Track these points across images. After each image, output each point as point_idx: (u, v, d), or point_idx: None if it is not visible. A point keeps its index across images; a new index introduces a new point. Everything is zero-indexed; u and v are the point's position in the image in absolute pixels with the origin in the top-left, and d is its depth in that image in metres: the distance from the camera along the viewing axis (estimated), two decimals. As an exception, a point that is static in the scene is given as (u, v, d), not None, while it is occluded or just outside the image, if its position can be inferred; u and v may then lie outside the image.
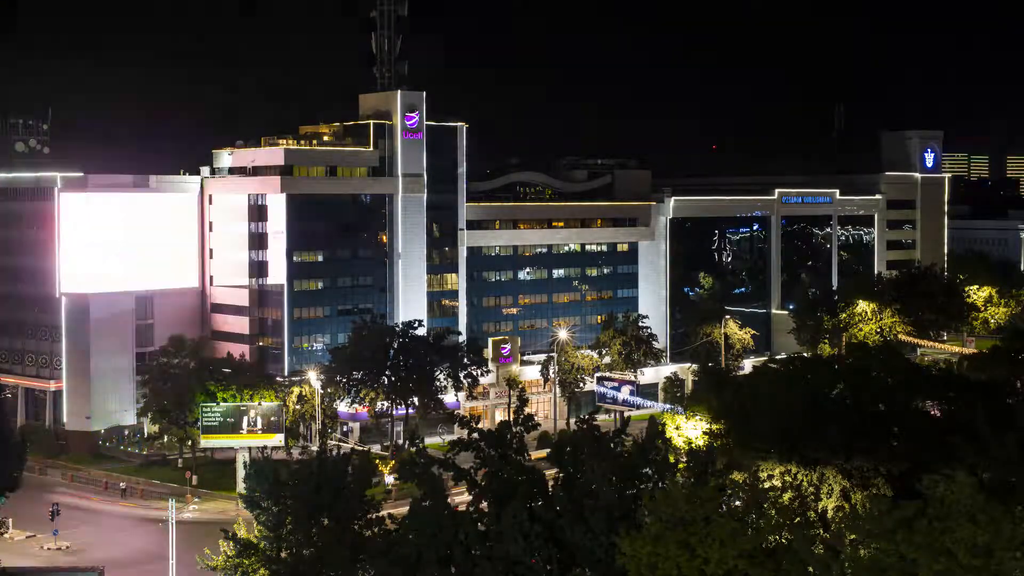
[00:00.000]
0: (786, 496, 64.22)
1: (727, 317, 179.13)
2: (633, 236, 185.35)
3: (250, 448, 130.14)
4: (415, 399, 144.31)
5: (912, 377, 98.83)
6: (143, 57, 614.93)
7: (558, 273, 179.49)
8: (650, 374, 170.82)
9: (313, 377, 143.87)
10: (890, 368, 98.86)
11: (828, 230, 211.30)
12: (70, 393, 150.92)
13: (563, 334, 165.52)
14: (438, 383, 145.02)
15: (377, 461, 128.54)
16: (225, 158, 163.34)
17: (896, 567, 50.10)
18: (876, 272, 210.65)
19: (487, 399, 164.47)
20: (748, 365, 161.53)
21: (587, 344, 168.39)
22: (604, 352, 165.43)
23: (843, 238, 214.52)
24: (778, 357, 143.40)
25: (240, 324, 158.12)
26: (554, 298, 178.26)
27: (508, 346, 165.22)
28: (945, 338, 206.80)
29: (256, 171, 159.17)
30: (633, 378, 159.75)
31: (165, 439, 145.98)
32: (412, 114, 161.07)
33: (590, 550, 61.24)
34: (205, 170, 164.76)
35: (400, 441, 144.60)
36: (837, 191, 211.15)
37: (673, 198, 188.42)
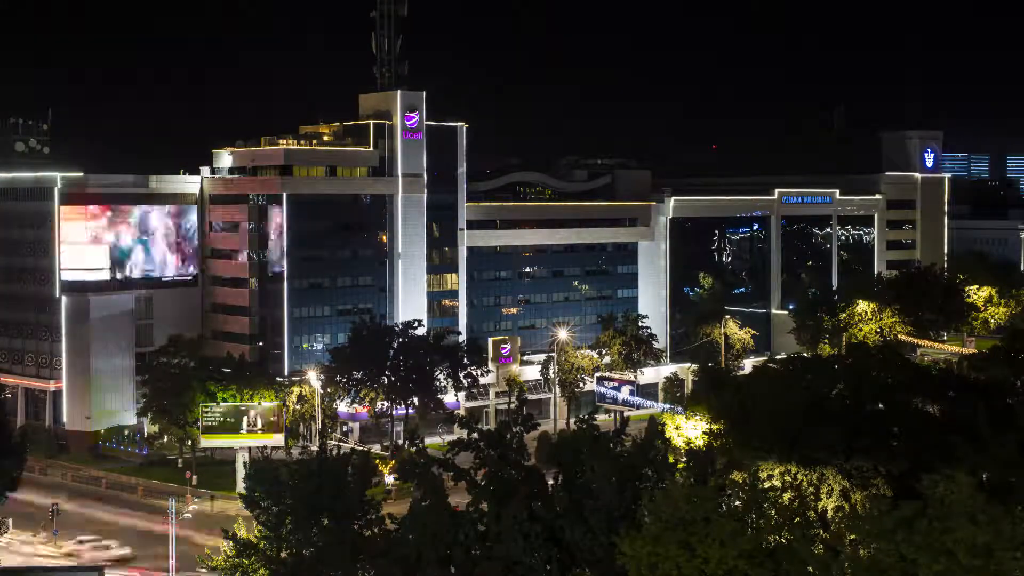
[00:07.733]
0: (786, 496, 64.22)
1: (727, 317, 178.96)
2: (633, 236, 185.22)
3: (250, 448, 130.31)
4: (415, 399, 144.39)
5: (912, 377, 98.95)
6: (143, 57, 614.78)
7: (558, 273, 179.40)
8: (650, 374, 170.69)
9: (313, 377, 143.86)
10: (890, 368, 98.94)
11: (828, 230, 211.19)
12: (70, 393, 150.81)
13: (563, 334, 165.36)
14: (438, 383, 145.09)
15: (377, 461, 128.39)
16: (225, 158, 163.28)
17: (896, 567, 50.13)
18: (876, 272, 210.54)
19: (487, 399, 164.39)
20: (748, 365, 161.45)
21: (587, 344, 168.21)
22: (604, 352, 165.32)
23: (843, 238, 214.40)
24: (778, 357, 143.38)
25: (240, 324, 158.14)
26: (554, 298, 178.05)
27: (508, 346, 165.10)
28: (945, 338, 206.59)
29: (256, 171, 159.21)
30: (633, 378, 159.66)
31: (165, 439, 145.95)
32: (412, 114, 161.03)
33: (590, 550, 61.25)
34: (205, 170, 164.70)
35: (400, 441, 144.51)
36: (837, 191, 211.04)
37: (673, 198, 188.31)
